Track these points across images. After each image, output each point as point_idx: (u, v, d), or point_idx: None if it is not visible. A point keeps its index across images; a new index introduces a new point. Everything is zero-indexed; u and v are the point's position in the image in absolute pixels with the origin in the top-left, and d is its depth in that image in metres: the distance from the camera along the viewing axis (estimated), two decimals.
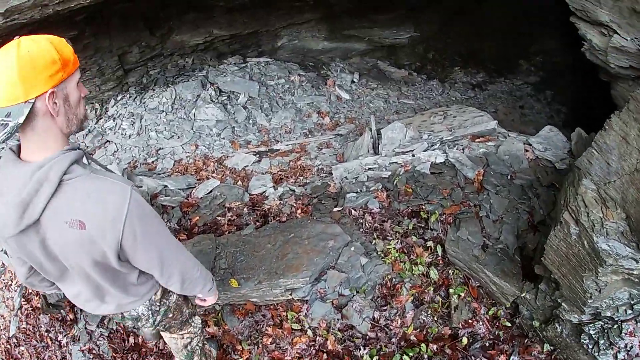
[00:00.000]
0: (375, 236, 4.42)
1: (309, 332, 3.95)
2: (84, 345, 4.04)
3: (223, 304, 4.23)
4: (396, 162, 5.33)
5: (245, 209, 5.34)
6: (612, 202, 3.33)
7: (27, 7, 4.64)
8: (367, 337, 3.90)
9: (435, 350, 3.73)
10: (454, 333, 3.87)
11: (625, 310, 3.32)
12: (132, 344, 4.08)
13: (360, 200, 4.78)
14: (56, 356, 4.03)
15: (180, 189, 6.17)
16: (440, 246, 4.27)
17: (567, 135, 9.71)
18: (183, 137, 7.70)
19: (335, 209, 4.80)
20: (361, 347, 3.82)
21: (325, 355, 3.82)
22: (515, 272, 4.08)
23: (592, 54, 5.69)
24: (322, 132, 7.84)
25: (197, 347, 3.10)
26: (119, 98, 8.39)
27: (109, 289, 2.01)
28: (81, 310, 4.13)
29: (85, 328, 4.14)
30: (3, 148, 6.47)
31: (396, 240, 4.34)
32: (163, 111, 8.20)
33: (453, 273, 4.18)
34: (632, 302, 3.25)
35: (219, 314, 4.21)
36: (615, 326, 3.33)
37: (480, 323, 3.93)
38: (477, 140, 5.54)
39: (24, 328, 4.15)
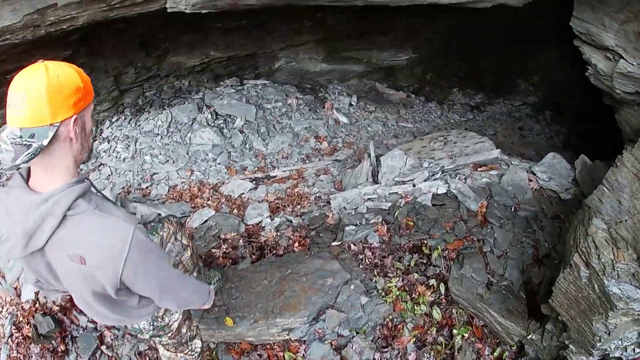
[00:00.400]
0: (376, 273, 4.26)
1: None
2: None
3: (217, 342, 4.07)
4: (396, 193, 5.18)
5: (241, 240, 5.18)
6: (624, 243, 3.18)
7: (19, 27, 4.52)
8: None
9: None
10: None
11: (634, 349, 3.18)
12: None
13: (360, 233, 4.63)
14: None
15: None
16: (443, 284, 4.11)
17: (570, 158, 9.66)
18: (178, 161, 7.55)
19: (333, 243, 4.64)
20: None
21: None
22: (520, 311, 3.94)
23: (596, 79, 5.59)
24: (319, 157, 7.70)
25: None
26: (114, 119, 8.24)
27: (109, 314, 2.04)
28: (73, 341, 4.07)
29: None
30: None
31: (397, 278, 4.18)
32: (158, 134, 8.06)
33: (456, 312, 4.01)
34: None
35: (214, 352, 4.04)
36: None
37: None
38: (479, 169, 5.41)
39: (14, 357, 3.98)
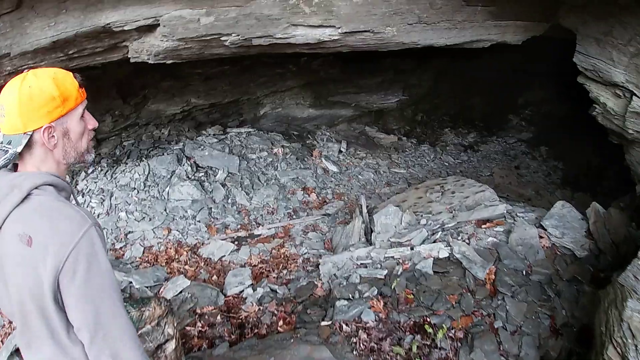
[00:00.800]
0: None
1: None
2: None
3: None
4: (392, 257, 4.63)
5: (219, 316, 4.58)
6: None
7: None
8: None
9: None
10: None
11: None
12: None
13: (353, 310, 4.03)
14: None
15: (147, 287, 5.47)
16: None
17: (571, 196, 9.16)
18: (155, 219, 7.00)
19: (323, 323, 4.03)
20: None
21: None
22: None
23: (605, 119, 5.13)
24: (307, 211, 7.17)
25: None
26: (89, 171, 7.79)
27: (44, 338, 1.67)
28: None
29: None
30: None
31: None
32: (135, 188, 7.55)
33: None
34: None
35: None
36: None
37: None
38: (483, 226, 4.88)
39: None
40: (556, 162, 10.58)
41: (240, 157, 8.09)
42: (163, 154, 8.01)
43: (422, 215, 5.40)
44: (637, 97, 4.34)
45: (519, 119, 12.54)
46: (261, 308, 4.59)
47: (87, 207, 7.28)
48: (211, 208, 7.14)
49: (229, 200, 7.32)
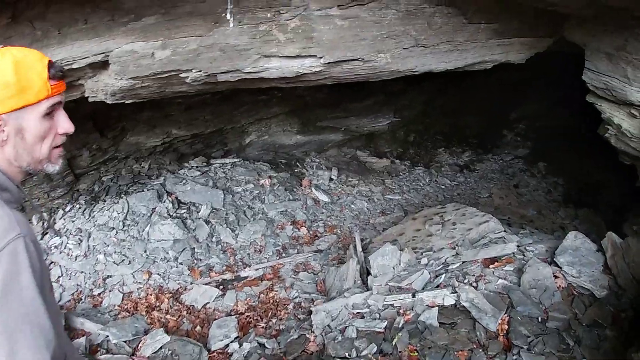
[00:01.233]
0: None
1: None
2: None
3: None
4: (392, 305, 4.17)
5: None
6: None
7: None
8: None
9: None
10: None
11: None
12: None
13: None
14: None
15: (125, 341, 5.08)
16: None
17: (574, 215, 8.74)
18: (135, 262, 6.57)
19: None
20: None
21: None
22: None
23: (619, 141, 4.74)
24: (298, 247, 6.69)
25: None
26: (67, 209, 7.38)
27: None
28: None
29: None
30: None
31: None
32: (113, 228, 7.12)
33: None
34: None
35: None
36: None
37: None
38: (491, 266, 4.44)
39: None
40: (556, 178, 10.26)
41: (224, 190, 7.64)
42: (143, 190, 7.57)
43: (422, 254, 4.97)
44: None
45: (513, 134, 12.26)
46: None
47: (65, 248, 6.88)
48: (194, 248, 6.68)
49: (213, 239, 6.85)
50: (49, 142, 1.49)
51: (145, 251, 6.68)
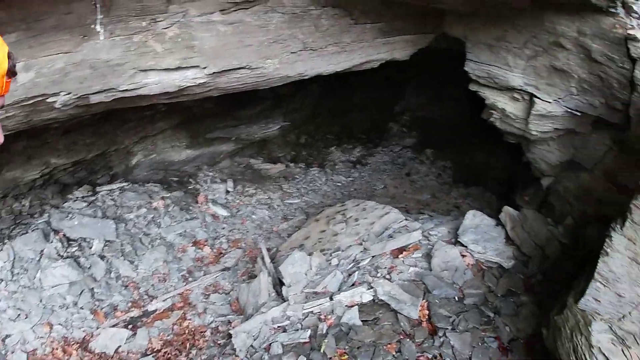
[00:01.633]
0: None
1: None
2: None
3: None
4: (312, 312, 4.07)
5: None
6: (631, 337, 2.59)
7: None
8: None
9: None
10: None
11: None
12: None
13: None
14: None
15: None
16: None
17: (466, 193, 9.16)
18: (32, 314, 5.89)
19: None
20: None
21: None
22: None
23: (504, 123, 5.03)
24: (204, 269, 6.37)
25: None
26: None
27: None
28: None
29: None
30: None
31: None
32: (2, 280, 6.32)
33: None
34: None
35: None
36: None
37: None
38: (400, 255, 4.47)
39: None
40: (444, 162, 10.75)
41: (116, 219, 7.08)
42: (27, 232, 6.79)
43: (331, 254, 4.92)
44: (538, 98, 4.25)
45: (399, 126, 12.74)
46: None
47: None
48: (93, 288, 6.11)
49: (112, 275, 6.31)
50: None
51: (40, 301, 6.00)
